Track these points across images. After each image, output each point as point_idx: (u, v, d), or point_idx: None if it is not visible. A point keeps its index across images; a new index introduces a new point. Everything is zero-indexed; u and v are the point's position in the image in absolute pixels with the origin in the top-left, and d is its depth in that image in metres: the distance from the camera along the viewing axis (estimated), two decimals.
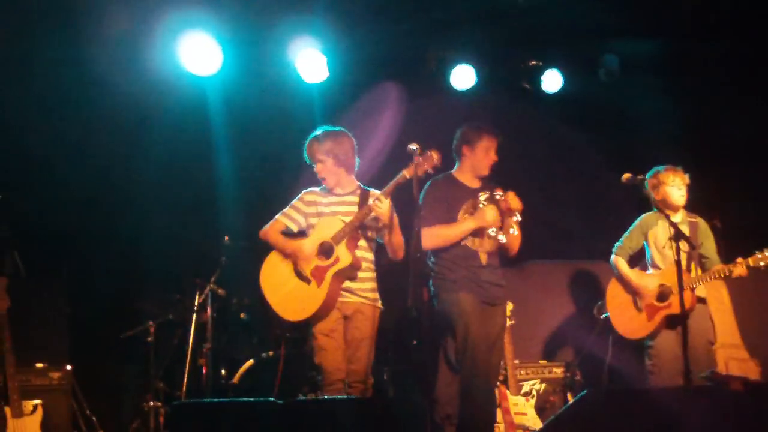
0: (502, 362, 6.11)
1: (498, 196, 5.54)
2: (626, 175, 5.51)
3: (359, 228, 5.24)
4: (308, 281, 5.20)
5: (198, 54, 6.68)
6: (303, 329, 5.81)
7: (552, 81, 7.67)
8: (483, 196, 5.57)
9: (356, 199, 5.36)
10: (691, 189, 6.04)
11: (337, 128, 5.45)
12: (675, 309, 5.67)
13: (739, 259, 5.77)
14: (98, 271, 6.85)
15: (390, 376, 6.85)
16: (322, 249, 5.21)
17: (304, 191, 5.47)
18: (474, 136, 5.69)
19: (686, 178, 5.99)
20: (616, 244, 6.19)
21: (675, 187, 5.96)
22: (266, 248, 5.46)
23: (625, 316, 6.10)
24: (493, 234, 5.53)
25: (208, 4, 6.58)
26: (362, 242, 5.31)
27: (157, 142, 6.88)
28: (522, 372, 6.70)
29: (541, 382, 6.69)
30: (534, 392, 6.62)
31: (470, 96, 7.58)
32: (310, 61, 7.04)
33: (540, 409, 6.49)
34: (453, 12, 7.04)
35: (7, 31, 6.16)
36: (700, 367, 5.70)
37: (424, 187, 5.52)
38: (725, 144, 7.37)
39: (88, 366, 6.36)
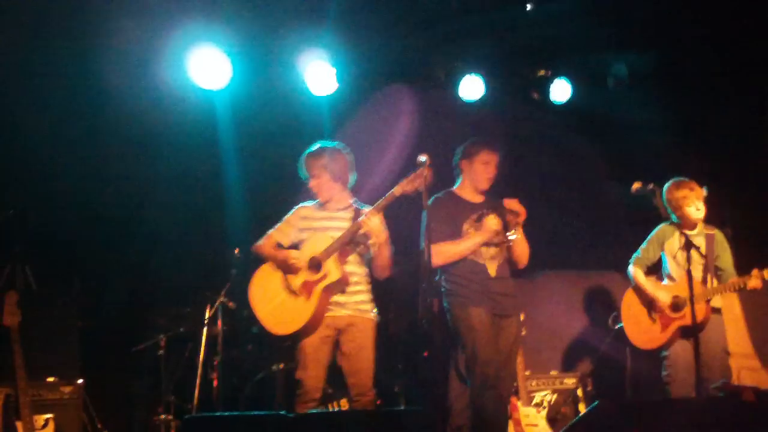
0: None
1: (499, 205, 5.52)
2: (636, 185, 5.49)
3: (349, 244, 5.23)
4: (297, 295, 5.20)
5: (207, 68, 6.70)
6: None
7: (561, 91, 7.68)
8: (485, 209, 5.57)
9: (349, 215, 5.36)
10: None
11: (334, 143, 5.46)
12: (689, 320, 5.63)
13: (755, 271, 5.74)
14: (109, 285, 6.86)
15: (401, 388, 6.83)
16: (312, 264, 5.21)
17: (297, 206, 5.48)
18: (472, 150, 5.67)
19: (703, 192, 5.94)
20: (634, 255, 6.16)
21: (693, 207, 5.92)
22: None
23: (639, 327, 6.07)
24: (498, 242, 5.51)
25: (217, 18, 6.60)
26: (352, 257, 5.31)
27: (167, 155, 6.90)
28: (533, 383, 6.68)
29: (553, 393, 6.67)
30: (545, 403, 6.60)
31: (479, 106, 7.58)
32: (319, 74, 7.05)
33: (551, 421, 6.46)
34: (461, 23, 7.05)
35: (18, 45, 6.19)
36: (716, 377, 5.66)
37: (428, 203, 5.49)
38: (736, 154, 7.35)
39: (99, 380, 6.35)
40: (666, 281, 6.08)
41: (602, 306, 7.26)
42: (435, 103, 7.45)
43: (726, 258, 6.00)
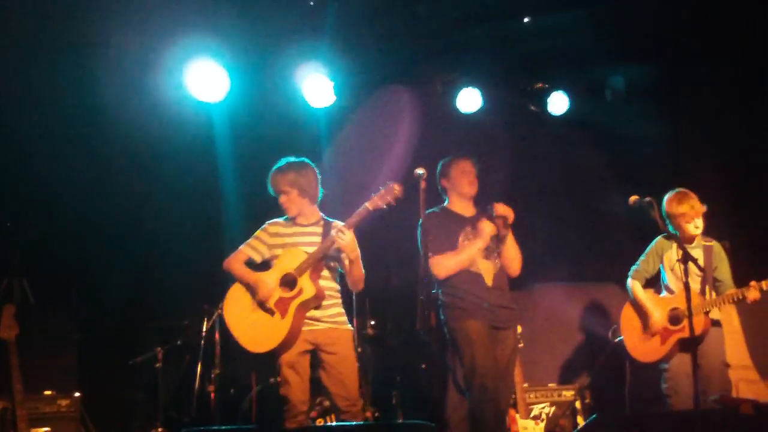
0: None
1: (488, 211, 5.54)
2: (633, 198, 5.49)
3: (322, 259, 5.24)
4: (272, 313, 5.17)
5: (205, 80, 6.70)
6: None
7: (558, 103, 7.69)
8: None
9: (319, 230, 5.36)
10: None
11: (301, 159, 5.45)
12: (687, 332, 5.63)
13: (753, 283, 5.73)
14: (106, 297, 6.86)
15: (399, 401, 6.82)
16: (285, 280, 5.20)
17: (267, 222, 5.46)
18: (447, 165, 5.76)
19: (703, 208, 5.94)
20: (633, 268, 6.16)
21: (693, 225, 5.93)
22: None
23: (638, 340, 6.07)
24: (495, 246, 5.52)
25: (215, 31, 6.61)
26: (325, 272, 5.31)
27: (165, 168, 6.91)
28: (531, 395, 6.68)
29: (551, 406, 6.66)
30: (544, 416, 6.59)
31: (477, 119, 7.59)
32: (316, 86, 7.06)
33: None
34: (458, 35, 7.06)
35: (15, 58, 6.20)
36: (715, 390, 5.66)
37: (420, 221, 5.50)
38: (735, 166, 7.36)
39: (96, 393, 6.35)
40: (665, 293, 6.08)
41: (601, 318, 7.27)
42: (432, 116, 7.46)
43: (724, 269, 6.00)
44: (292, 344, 5.17)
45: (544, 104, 7.71)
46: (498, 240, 5.52)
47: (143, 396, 6.86)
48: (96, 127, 6.69)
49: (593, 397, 6.78)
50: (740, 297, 5.77)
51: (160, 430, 6.44)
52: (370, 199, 5.11)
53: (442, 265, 5.43)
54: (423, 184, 5.02)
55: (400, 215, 5.68)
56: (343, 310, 5.37)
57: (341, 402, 5.18)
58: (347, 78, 7.18)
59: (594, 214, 7.73)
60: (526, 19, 7.05)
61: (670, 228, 5.96)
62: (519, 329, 6.32)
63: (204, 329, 6.59)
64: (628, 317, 6.17)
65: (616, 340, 6.42)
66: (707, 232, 6.04)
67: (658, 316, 5.96)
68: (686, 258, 5.29)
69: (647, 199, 5.48)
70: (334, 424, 5.17)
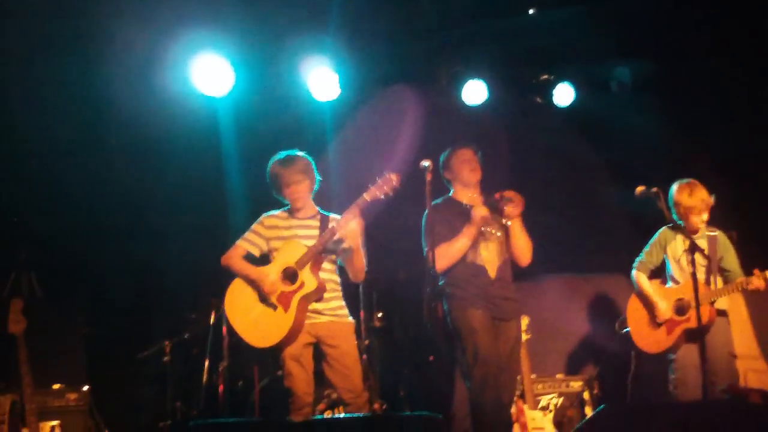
0: (519, 377, 6.09)
1: (492, 198, 5.52)
2: (640, 188, 5.48)
3: (322, 252, 5.24)
4: (274, 307, 5.18)
5: (210, 74, 6.70)
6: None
7: (564, 95, 7.67)
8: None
9: (317, 223, 5.36)
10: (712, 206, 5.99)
11: (295, 151, 5.44)
12: (694, 323, 5.63)
13: (756, 271, 5.73)
14: (114, 291, 6.88)
15: (406, 393, 6.83)
16: (286, 274, 5.20)
17: (263, 215, 5.46)
18: (447, 156, 5.73)
19: (711, 201, 5.91)
20: (637, 259, 6.15)
21: (699, 218, 5.91)
22: None
23: (645, 331, 6.06)
24: (488, 229, 5.50)
25: (220, 25, 6.60)
26: (326, 265, 5.31)
27: (171, 162, 6.92)
28: (539, 386, 6.69)
29: (559, 397, 6.66)
30: (551, 406, 6.59)
31: (482, 111, 7.58)
32: (321, 80, 7.05)
33: (558, 424, 6.46)
34: (464, 28, 7.05)
35: (20, 53, 6.21)
36: (722, 380, 5.66)
37: (425, 212, 5.49)
38: (740, 158, 7.34)
39: (105, 386, 6.37)
40: (670, 283, 6.08)
41: (607, 309, 7.27)
42: (438, 108, 7.45)
43: (730, 258, 5.99)
44: (295, 337, 5.19)
45: (550, 96, 7.69)
46: (498, 223, 5.49)
47: (151, 389, 6.87)
48: (102, 122, 6.71)
49: (601, 388, 6.78)
50: (744, 286, 5.75)
51: (168, 422, 6.46)
52: (368, 190, 5.12)
53: (442, 255, 5.38)
54: (429, 177, 5.03)
55: (407, 208, 5.69)
56: (344, 303, 5.38)
57: (345, 394, 5.20)
58: (352, 71, 7.17)
59: (600, 206, 7.72)
60: (531, 11, 7.04)
61: (675, 217, 5.93)
62: (526, 320, 6.35)
63: (211, 322, 6.59)
64: (634, 308, 6.17)
65: (623, 331, 6.42)
66: (712, 222, 6.03)
67: (664, 307, 5.95)
68: (693, 249, 5.29)
69: (654, 189, 5.47)
70: (340, 416, 5.17)
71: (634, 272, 6.15)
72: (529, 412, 6.33)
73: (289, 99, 7.20)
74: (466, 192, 5.69)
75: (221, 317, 6.56)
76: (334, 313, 5.28)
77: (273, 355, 5.45)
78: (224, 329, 6.54)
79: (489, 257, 5.55)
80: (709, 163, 6.99)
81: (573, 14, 6.85)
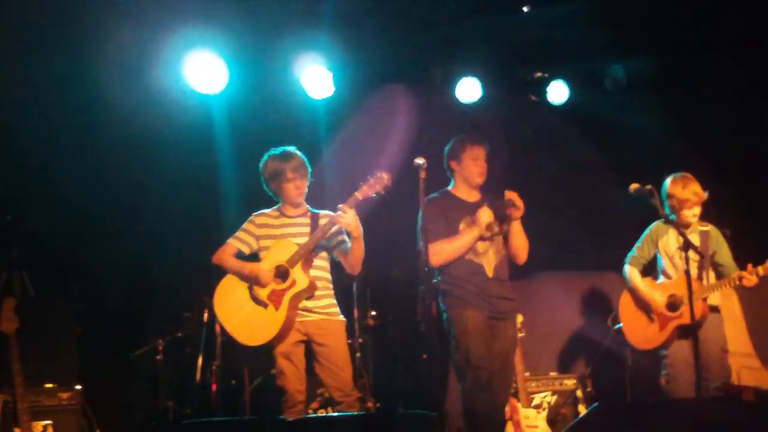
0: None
1: (495, 199, 5.51)
2: (634, 186, 5.47)
3: (313, 250, 5.23)
4: (265, 305, 5.18)
5: (204, 72, 6.69)
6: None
7: (558, 92, 7.67)
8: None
9: (307, 221, 5.36)
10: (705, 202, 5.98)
11: (288, 147, 5.43)
12: (686, 319, 5.63)
13: (750, 266, 5.73)
14: (107, 290, 6.86)
15: (399, 391, 6.83)
16: (278, 272, 5.19)
17: (254, 214, 5.45)
18: (458, 148, 5.65)
19: (704, 195, 5.90)
20: (629, 255, 6.15)
21: (692, 212, 5.91)
22: None
23: (637, 327, 6.06)
24: (490, 234, 5.49)
25: (214, 23, 6.59)
26: (317, 263, 5.30)
27: (164, 160, 6.89)
28: (533, 384, 6.68)
29: (552, 395, 6.66)
30: (545, 405, 6.59)
31: (476, 109, 7.58)
32: (315, 77, 7.05)
33: (551, 422, 6.46)
34: (458, 26, 7.04)
35: (13, 50, 6.18)
36: (715, 377, 5.66)
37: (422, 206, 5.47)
38: (735, 156, 7.34)
39: (97, 385, 6.35)
40: (662, 279, 6.07)
41: (601, 306, 7.26)
42: (432, 106, 7.44)
43: (724, 253, 5.98)
44: (286, 336, 5.18)
45: (544, 94, 7.69)
46: (500, 228, 5.48)
47: (144, 388, 6.86)
48: (94, 119, 6.68)
49: (594, 386, 6.78)
50: (737, 282, 5.75)
51: (161, 422, 6.44)
52: (360, 188, 5.12)
53: (438, 252, 5.38)
54: (423, 174, 5.00)
55: (400, 205, 5.67)
56: (335, 301, 5.37)
57: (335, 393, 5.20)
58: (346, 69, 7.17)
59: (594, 203, 7.72)
60: (525, 9, 7.03)
61: (667, 211, 5.92)
62: (520, 318, 6.34)
63: (204, 321, 6.58)
64: (626, 304, 6.16)
65: (615, 327, 6.42)
66: (705, 218, 6.02)
67: (659, 298, 5.94)
68: (687, 245, 5.28)
69: (648, 186, 5.46)
70: (333, 414, 5.16)
71: (626, 267, 6.14)
72: (522, 411, 6.33)
73: (283, 97, 7.19)
74: (466, 189, 5.66)
75: (214, 316, 6.55)
76: (324, 311, 5.27)
77: (266, 353, 5.46)
78: (217, 328, 6.54)
79: (487, 256, 5.54)
80: (703, 161, 6.99)
81: (567, 12, 6.84)
